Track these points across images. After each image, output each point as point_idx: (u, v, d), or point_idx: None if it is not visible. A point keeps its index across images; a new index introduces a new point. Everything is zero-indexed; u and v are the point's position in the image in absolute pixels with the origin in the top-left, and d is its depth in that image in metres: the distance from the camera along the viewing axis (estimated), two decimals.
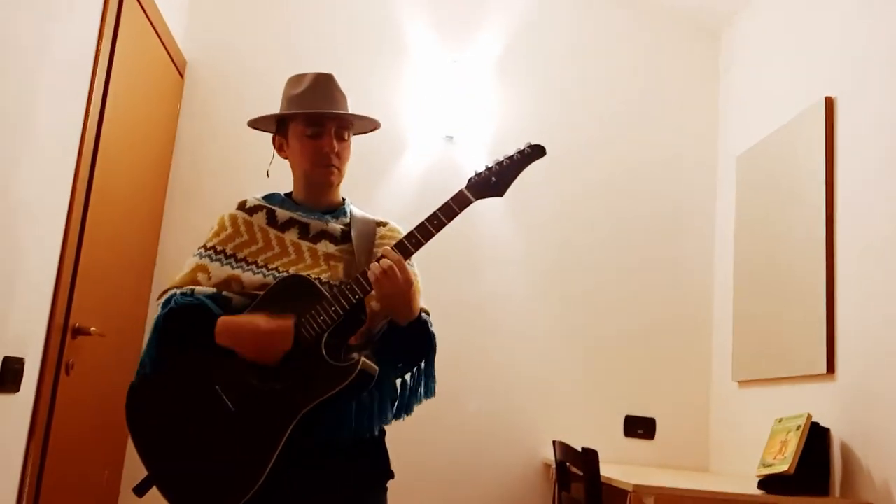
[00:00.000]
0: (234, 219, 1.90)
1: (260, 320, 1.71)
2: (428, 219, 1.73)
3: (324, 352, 1.68)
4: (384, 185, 3.66)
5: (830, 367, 2.72)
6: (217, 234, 1.88)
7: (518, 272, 3.71)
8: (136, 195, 3.19)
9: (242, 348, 1.71)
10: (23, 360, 2.32)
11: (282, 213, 1.89)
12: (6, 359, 2.23)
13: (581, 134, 3.82)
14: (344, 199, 1.99)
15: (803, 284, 2.92)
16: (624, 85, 3.89)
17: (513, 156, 1.79)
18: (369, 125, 2.00)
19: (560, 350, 3.66)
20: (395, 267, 1.68)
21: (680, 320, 3.72)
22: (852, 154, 2.77)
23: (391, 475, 1.87)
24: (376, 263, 1.69)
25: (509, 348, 3.64)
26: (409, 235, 1.74)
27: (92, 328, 2.71)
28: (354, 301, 1.70)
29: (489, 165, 1.79)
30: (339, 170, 1.91)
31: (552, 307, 3.69)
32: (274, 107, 2.00)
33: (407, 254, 1.73)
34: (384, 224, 1.98)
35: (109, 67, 2.72)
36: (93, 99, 2.61)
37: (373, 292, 1.71)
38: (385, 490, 1.85)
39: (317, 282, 1.75)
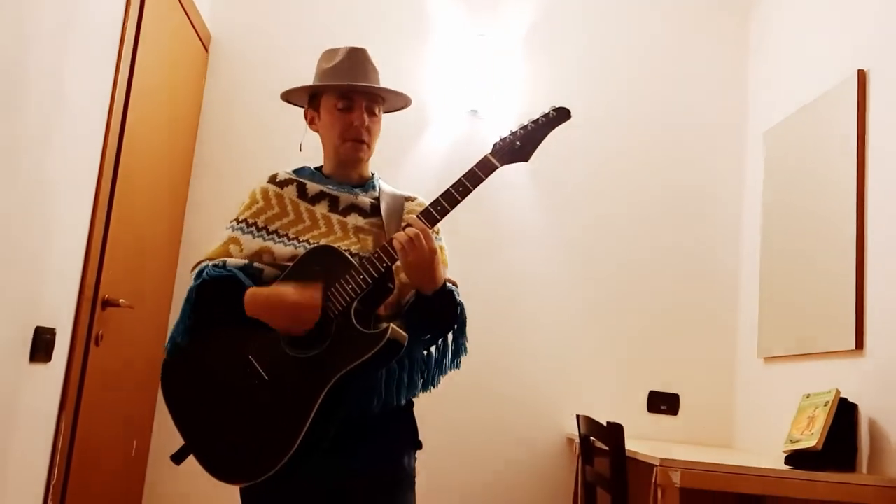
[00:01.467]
0: (265, 192, 1.91)
1: (288, 290, 1.71)
2: (453, 185, 1.73)
3: (354, 319, 1.69)
4: (409, 159, 3.66)
5: (859, 343, 2.69)
6: (248, 206, 1.89)
7: (543, 249, 3.70)
8: (162, 169, 3.21)
9: (271, 319, 1.72)
10: (54, 331, 2.35)
11: (312, 187, 1.90)
12: (38, 329, 2.26)
13: (607, 109, 3.79)
14: (373, 174, 2.00)
15: (832, 260, 2.89)
16: (652, 60, 3.85)
17: (538, 119, 1.78)
18: (400, 102, 2.00)
19: (584, 325, 3.66)
20: (420, 235, 1.67)
21: (705, 296, 3.69)
22: (885, 129, 2.72)
23: (419, 445, 1.89)
24: (401, 232, 1.69)
25: (533, 323, 3.64)
26: (435, 202, 1.73)
27: (121, 300, 2.74)
28: (382, 269, 1.70)
29: (514, 130, 1.78)
30: (369, 145, 1.92)
31: (577, 283, 3.68)
32: (299, 81, 2.00)
33: (433, 221, 1.72)
34: (412, 199, 1.98)
35: (136, 43, 2.73)
36: (119, 75, 2.62)
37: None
38: (414, 459, 1.87)
39: (346, 252, 1.75)
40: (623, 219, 3.73)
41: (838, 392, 2.58)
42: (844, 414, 2.57)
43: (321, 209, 1.88)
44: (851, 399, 2.61)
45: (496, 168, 1.75)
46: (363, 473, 1.78)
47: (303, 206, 1.88)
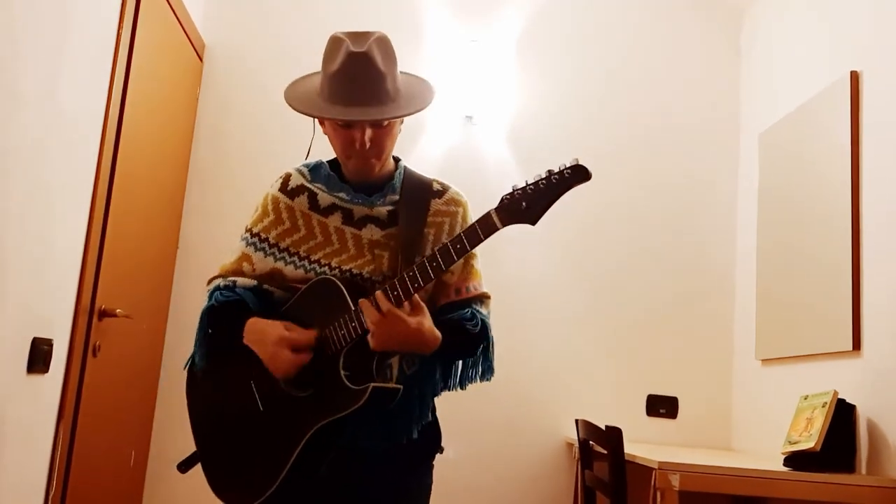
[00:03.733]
0: (276, 203, 1.80)
1: (276, 332, 1.64)
2: (451, 242, 1.57)
3: (341, 370, 1.62)
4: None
5: (856, 344, 2.70)
6: (260, 218, 1.81)
7: (540, 253, 3.70)
8: (157, 178, 3.21)
9: (260, 354, 1.67)
10: (51, 342, 2.35)
11: (324, 198, 1.78)
12: (35, 340, 2.25)
13: (601, 113, 3.80)
14: (397, 164, 1.85)
15: (828, 261, 2.90)
16: (645, 64, 3.86)
17: (551, 176, 1.53)
18: (413, 107, 1.81)
19: (582, 329, 3.66)
20: (383, 321, 1.55)
21: (702, 299, 3.70)
22: (878, 130, 2.73)
23: (439, 450, 1.84)
24: (370, 308, 1.56)
25: (531, 328, 3.64)
26: (431, 257, 1.57)
27: (118, 310, 2.73)
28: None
29: (525, 185, 1.54)
30: (378, 157, 1.75)
31: (574, 287, 3.69)
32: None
33: (426, 279, 1.57)
34: (440, 194, 1.82)
35: (130, 52, 2.73)
36: (114, 83, 2.63)
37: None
38: (430, 467, 1.82)
39: (357, 283, 1.68)
40: (619, 222, 3.73)
41: (836, 393, 2.59)
42: (842, 415, 2.57)
43: (334, 222, 1.77)
44: (849, 400, 2.61)
45: (497, 230, 1.55)
46: (376, 488, 1.73)
47: (315, 218, 1.77)
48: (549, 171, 1.54)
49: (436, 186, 1.83)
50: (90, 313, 2.60)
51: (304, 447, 1.63)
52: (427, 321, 1.61)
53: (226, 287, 1.77)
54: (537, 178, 1.54)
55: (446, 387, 1.82)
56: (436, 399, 1.83)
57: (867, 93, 2.81)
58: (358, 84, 1.68)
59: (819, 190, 3.02)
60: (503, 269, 3.66)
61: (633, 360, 3.64)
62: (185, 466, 1.81)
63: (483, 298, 1.82)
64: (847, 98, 2.86)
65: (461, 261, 1.71)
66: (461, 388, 1.82)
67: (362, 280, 1.71)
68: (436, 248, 1.58)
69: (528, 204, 1.54)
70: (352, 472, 1.71)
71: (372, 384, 1.58)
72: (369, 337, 1.58)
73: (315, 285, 1.71)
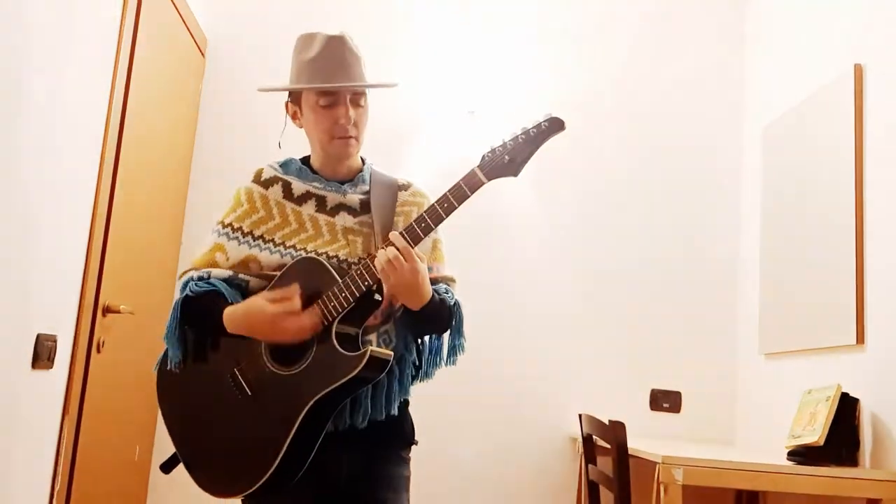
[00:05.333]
0: (249, 194, 1.85)
1: (264, 302, 1.66)
2: (437, 201, 1.66)
3: (334, 339, 1.65)
4: (407, 161, 3.65)
5: (860, 337, 2.69)
6: (233, 209, 1.84)
7: (542, 247, 3.70)
8: (160, 174, 3.21)
9: (251, 331, 1.68)
10: (55, 338, 2.35)
11: (297, 186, 1.84)
12: (39, 336, 2.26)
13: (604, 105, 3.79)
14: (363, 161, 1.92)
15: (831, 255, 2.89)
16: (648, 57, 3.85)
17: (528, 130, 1.66)
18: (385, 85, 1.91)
19: (585, 324, 3.66)
20: (399, 257, 1.61)
21: (705, 293, 3.70)
22: (883, 123, 2.72)
23: (413, 443, 1.86)
24: (382, 252, 1.64)
25: (534, 322, 3.64)
26: (419, 219, 1.66)
27: (121, 306, 2.74)
28: (364, 288, 1.66)
29: (504, 141, 1.67)
30: (357, 139, 1.82)
31: (577, 282, 3.68)
32: None
33: (416, 239, 1.66)
34: (406, 187, 1.91)
35: (133, 48, 2.73)
36: (117, 79, 2.63)
37: None
38: (407, 460, 1.84)
39: (330, 264, 1.71)
40: (622, 216, 3.73)
41: (840, 387, 2.58)
42: (846, 409, 2.57)
43: (308, 210, 1.82)
44: (853, 394, 2.61)
45: (483, 184, 1.65)
46: (352, 480, 1.75)
47: (289, 207, 1.82)
48: (525, 128, 1.66)
49: (401, 181, 1.92)
50: (94, 309, 2.61)
51: (300, 425, 1.64)
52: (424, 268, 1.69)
53: (199, 278, 1.77)
54: (515, 135, 1.66)
55: (420, 367, 1.84)
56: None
57: (871, 86, 2.80)
58: (338, 62, 1.78)
59: (823, 183, 3.01)
60: (507, 266, 3.66)
61: (636, 354, 3.64)
62: (167, 467, 1.79)
63: (450, 281, 1.87)
64: (851, 91, 2.85)
65: (430, 243, 1.84)
66: (435, 365, 1.85)
67: (339, 262, 1.75)
68: (423, 210, 1.68)
69: (510, 158, 1.65)
70: (335, 453, 1.72)
71: (370, 349, 1.63)
72: (381, 275, 1.62)
73: (295, 265, 1.73)
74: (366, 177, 1.88)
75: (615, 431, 2.39)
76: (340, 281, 1.66)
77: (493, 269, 3.65)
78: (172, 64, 3.23)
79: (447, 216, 1.66)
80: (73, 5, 2.31)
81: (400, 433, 1.83)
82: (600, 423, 2.55)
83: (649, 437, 3.48)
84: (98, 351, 2.65)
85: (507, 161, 1.65)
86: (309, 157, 1.92)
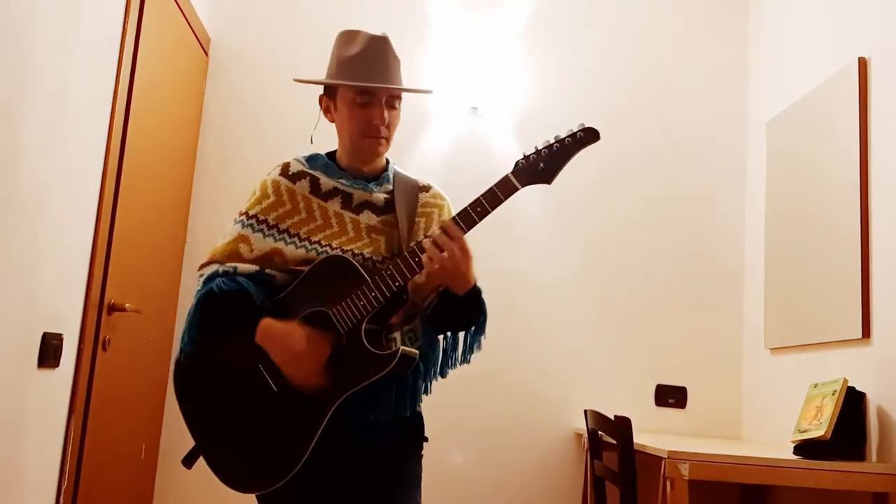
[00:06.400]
0: (276, 186, 1.84)
1: (298, 338, 1.68)
2: (471, 205, 1.68)
3: (364, 338, 1.68)
4: (411, 158, 3.65)
5: (866, 331, 2.69)
6: (259, 200, 1.84)
7: (548, 243, 3.69)
8: (165, 172, 3.22)
9: (276, 357, 1.70)
10: (61, 336, 2.36)
11: (325, 182, 1.84)
12: (45, 335, 2.27)
13: (607, 102, 3.79)
14: (388, 162, 1.94)
15: (836, 249, 2.88)
16: (652, 52, 3.84)
17: (564, 139, 1.68)
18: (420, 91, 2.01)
19: (590, 320, 3.65)
20: (456, 245, 1.65)
21: (711, 288, 3.69)
22: (887, 117, 2.72)
23: (425, 440, 1.88)
24: (429, 242, 1.65)
25: (540, 319, 3.64)
26: (457, 217, 1.69)
27: (127, 304, 2.74)
28: (395, 288, 1.68)
29: (538, 148, 1.69)
30: (388, 140, 1.85)
31: (583, 277, 3.68)
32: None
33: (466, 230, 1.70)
34: (426, 189, 1.94)
35: (136, 47, 2.73)
36: (120, 79, 2.63)
37: (415, 275, 1.69)
38: (420, 457, 1.86)
39: (358, 263, 1.73)
40: (626, 211, 3.73)
41: (846, 381, 2.58)
42: (852, 403, 2.57)
43: (334, 206, 1.82)
44: (859, 388, 2.60)
45: (517, 190, 1.68)
46: (369, 477, 1.76)
47: (315, 202, 1.82)
48: (559, 136, 1.68)
49: (421, 183, 1.95)
50: (99, 308, 2.61)
51: (328, 422, 1.66)
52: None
53: (225, 273, 1.76)
54: (549, 143, 1.68)
55: (447, 362, 1.86)
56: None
57: (875, 79, 2.79)
58: (380, 63, 1.80)
59: (827, 178, 3.00)
60: (513, 262, 3.66)
61: (641, 349, 3.64)
62: (189, 461, 1.79)
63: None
64: (855, 85, 2.85)
65: None
66: (465, 361, 1.88)
67: (364, 260, 1.76)
68: (454, 214, 1.69)
69: (545, 165, 1.67)
70: (355, 449, 1.74)
71: (400, 348, 1.67)
72: (432, 264, 1.64)
73: (324, 263, 1.74)
74: (390, 176, 1.90)
75: (621, 427, 2.39)
76: (370, 280, 1.68)
77: (500, 267, 3.64)
78: (176, 63, 3.23)
79: (480, 220, 1.69)
80: (77, 5, 2.31)
81: (416, 430, 1.86)
82: (606, 418, 2.55)
83: (655, 433, 3.47)
84: (104, 349, 2.65)
85: (541, 168, 1.68)
86: (334, 151, 1.92)
